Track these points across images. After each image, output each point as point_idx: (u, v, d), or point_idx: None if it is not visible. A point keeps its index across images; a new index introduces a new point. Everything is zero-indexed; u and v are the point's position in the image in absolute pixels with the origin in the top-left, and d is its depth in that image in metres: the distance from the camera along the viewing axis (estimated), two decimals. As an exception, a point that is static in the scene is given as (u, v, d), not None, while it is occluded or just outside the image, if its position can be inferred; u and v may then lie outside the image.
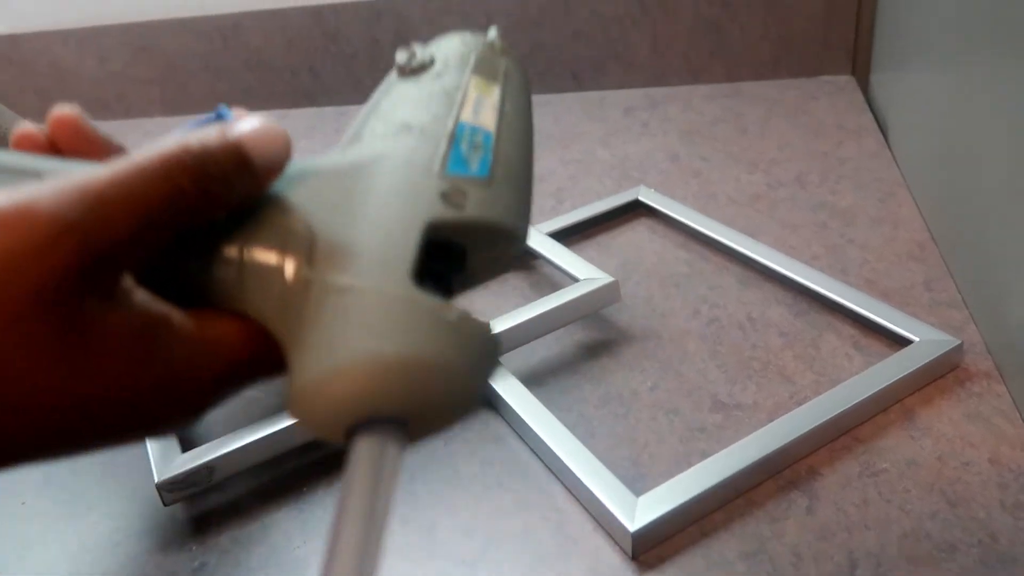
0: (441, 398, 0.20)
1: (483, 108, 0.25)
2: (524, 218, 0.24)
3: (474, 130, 0.24)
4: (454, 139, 0.23)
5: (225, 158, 0.21)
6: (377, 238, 0.21)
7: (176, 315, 0.20)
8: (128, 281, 0.19)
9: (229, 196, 0.21)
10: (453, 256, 0.23)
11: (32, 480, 0.43)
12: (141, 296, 0.20)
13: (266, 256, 0.21)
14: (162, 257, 0.20)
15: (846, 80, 0.75)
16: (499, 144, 0.24)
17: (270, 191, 0.22)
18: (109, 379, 0.19)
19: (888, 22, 0.68)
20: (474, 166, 0.23)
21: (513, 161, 0.24)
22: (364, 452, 0.19)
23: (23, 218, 0.17)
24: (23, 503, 0.41)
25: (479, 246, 0.23)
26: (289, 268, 0.20)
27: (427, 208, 0.22)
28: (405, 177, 0.22)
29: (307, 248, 0.21)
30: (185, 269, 0.21)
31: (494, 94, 0.25)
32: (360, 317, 0.19)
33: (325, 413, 0.19)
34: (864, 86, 0.75)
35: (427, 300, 0.20)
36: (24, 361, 0.17)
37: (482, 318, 0.21)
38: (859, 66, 0.77)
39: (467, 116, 0.24)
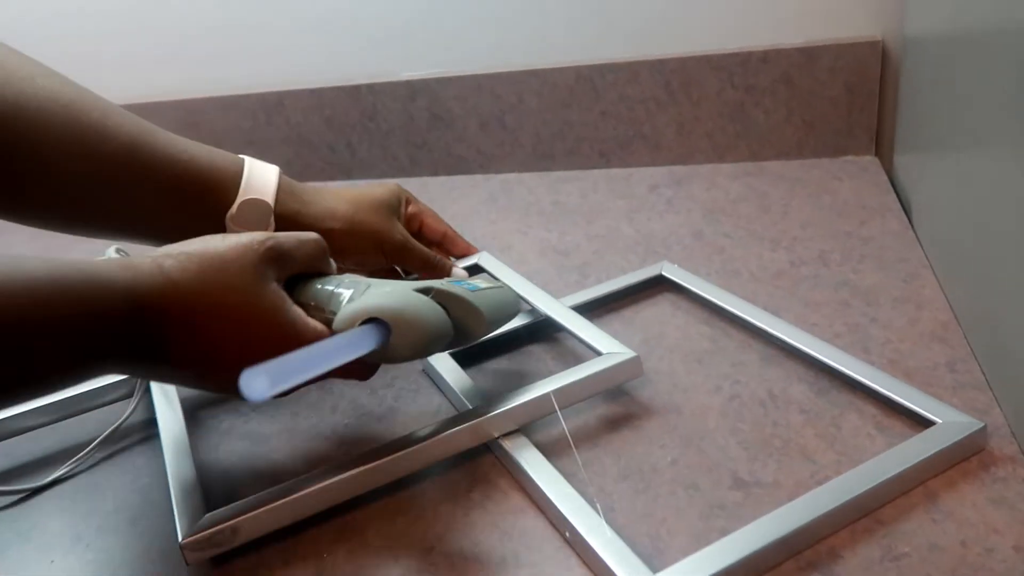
0: (409, 327, 0.39)
1: (480, 284, 0.47)
2: (490, 316, 0.45)
3: (470, 283, 0.46)
4: (457, 281, 0.46)
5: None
6: (405, 285, 0.43)
7: (296, 309, 0.42)
8: (282, 286, 0.42)
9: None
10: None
11: (63, 539, 0.44)
12: (283, 293, 0.41)
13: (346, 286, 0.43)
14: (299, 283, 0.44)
15: (869, 160, 0.77)
16: (484, 292, 0.46)
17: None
18: (264, 323, 0.40)
19: (911, 104, 0.70)
20: (467, 287, 0.45)
21: (489, 298, 0.46)
22: (361, 328, 0.39)
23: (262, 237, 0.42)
24: (52, 561, 0.42)
25: (460, 316, 0.43)
26: (355, 291, 0.42)
27: (433, 283, 0.43)
28: (431, 281, 0.44)
29: (366, 284, 0.43)
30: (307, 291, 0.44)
31: (486, 283, 0.48)
32: (381, 294, 0.41)
33: (352, 317, 0.39)
34: (888, 167, 0.77)
35: (412, 291, 0.41)
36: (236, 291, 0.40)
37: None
38: (883, 147, 0.78)
39: (472, 283, 0.47)
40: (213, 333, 0.39)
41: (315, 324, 0.41)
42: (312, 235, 0.45)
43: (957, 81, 0.54)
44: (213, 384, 0.41)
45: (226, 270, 0.39)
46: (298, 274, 0.44)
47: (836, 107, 0.77)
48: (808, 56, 0.75)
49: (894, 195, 0.69)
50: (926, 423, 0.42)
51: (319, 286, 0.43)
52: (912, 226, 0.64)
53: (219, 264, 0.39)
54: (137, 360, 0.39)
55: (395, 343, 0.38)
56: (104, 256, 0.45)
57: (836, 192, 0.72)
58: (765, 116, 0.79)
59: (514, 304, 0.51)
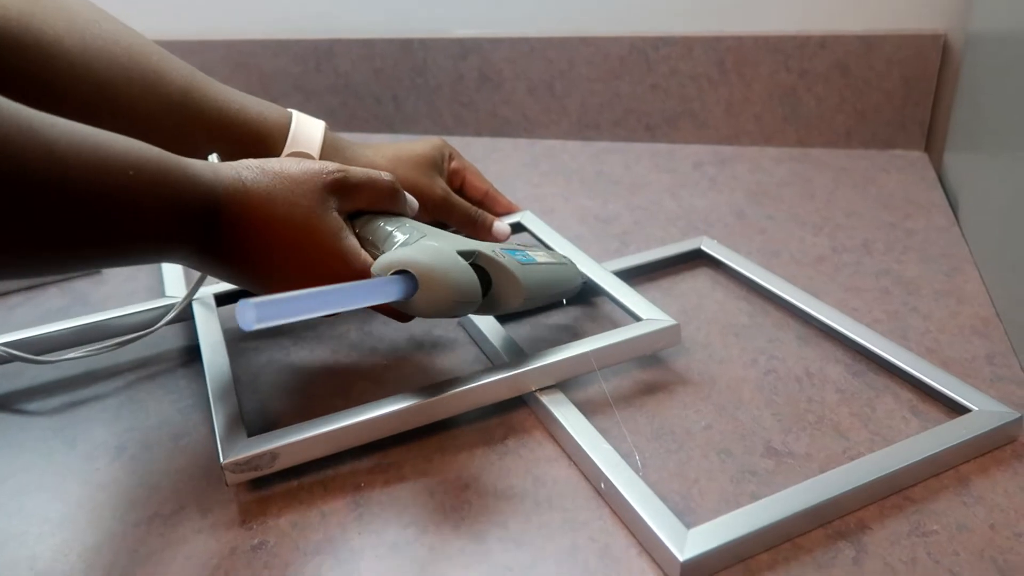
0: (436, 286, 0.39)
1: (538, 257, 0.48)
2: (530, 291, 0.44)
3: (526, 255, 0.47)
4: (516, 250, 0.47)
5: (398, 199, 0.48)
6: (455, 242, 0.43)
7: (352, 240, 0.44)
8: (343, 217, 0.44)
9: (403, 208, 0.49)
10: (487, 280, 0.44)
11: (107, 449, 0.45)
12: (342, 222, 0.44)
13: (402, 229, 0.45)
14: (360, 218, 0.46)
15: (918, 156, 0.76)
16: (536, 266, 0.46)
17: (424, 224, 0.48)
18: (317, 243, 0.42)
19: (967, 103, 0.69)
20: (518, 258, 0.45)
21: (539, 273, 0.46)
22: (388, 277, 0.39)
23: (332, 167, 0.45)
24: (98, 468, 0.44)
25: (499, 284, 0.44)
26: (409, 238, 0.44)
27: (483, 247, 0.44)
28: (484, 244, 0.45)
29: (421, 233, 0.45)
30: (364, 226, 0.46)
31: (546, 258, 0.49)
32: (420, 247, 0.41)
33: (387, 266, 0.40)
34: (937, 163, 0.76)
35: (455, 251, 0.41)
36: (300, 213, 0.42)
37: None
38: (933, 143, 0.78)
39: (532, 254, 0.48)
40: (271, 241, 0.42)
41: (364, 257, 0.43)
42: (385, 176, 0.47)
43: (1018, 81, 0.54)
44: (259, 287, 0.44)
45: (293, 189, 0.42)
46: (368, 210, 0.46)
47: (890, 99, 0.76)
48: (867, 45, 0.74)
49: (941, 191, 0.69)
50: (962, 410, 0.42)
51: (381, 224, 0.45)
52: (958, 223, 0.64)
53: (288, 183, 0.42)
54: (202, 252, 0.42)
55: (419, 298, 0.39)
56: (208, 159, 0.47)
57: (883, 184, 0.71)
58: (816, 102, 0.78)
59: (568, 283, 0.51)
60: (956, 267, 0.57)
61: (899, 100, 0.76)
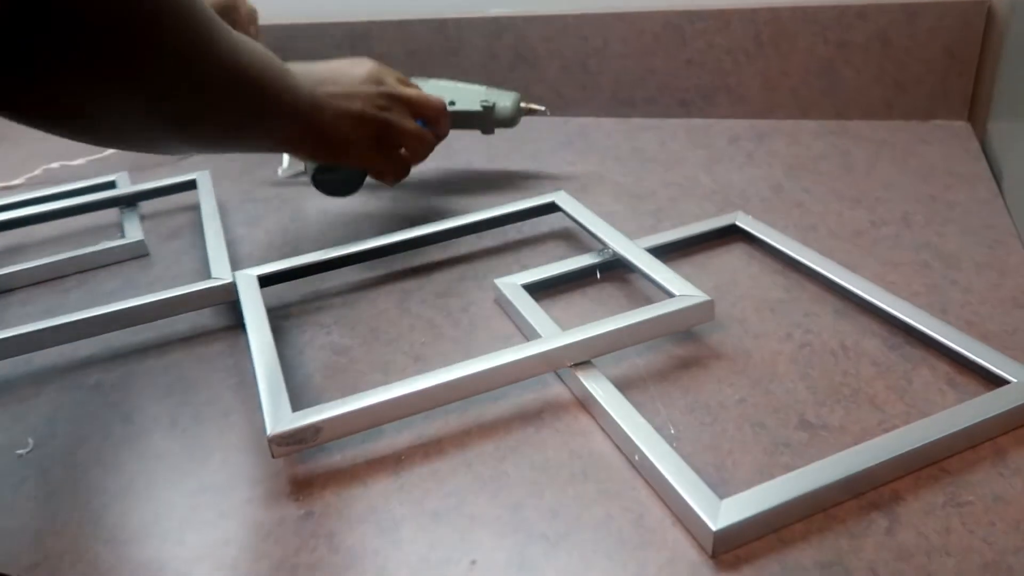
0: None
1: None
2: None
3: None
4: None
5: None
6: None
7: None
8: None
9: None
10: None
11: (161, 423, 0.47)
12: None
13: None
14: None
15: (961, 126, 0.75)
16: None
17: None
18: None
19: (1012, 71, 0.68)
20: None
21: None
22: None
23: None
24: (153, 442, 0.46)
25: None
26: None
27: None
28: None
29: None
30: None
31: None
32: None
33: None
34: (980, 133, 0.74)
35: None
36: None
37: None
38: (976, 113, 0.76)
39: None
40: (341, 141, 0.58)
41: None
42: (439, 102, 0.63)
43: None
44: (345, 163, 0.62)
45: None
46: None
47: (931, 69, 0.75)
48: (908, 14, 0.73)
49: (984, 162, 0.68)
50: (1000, 382, 0.42)
51: None
52: (1002, 194, 0.63)
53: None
54: (285, 141, 0.56)
55: None
56: None
57: (923, 156, 0.70)
58: (855, 74, 0.77)
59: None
60: (999, 239, 0.56)
61: (941, 70, 0.74)
